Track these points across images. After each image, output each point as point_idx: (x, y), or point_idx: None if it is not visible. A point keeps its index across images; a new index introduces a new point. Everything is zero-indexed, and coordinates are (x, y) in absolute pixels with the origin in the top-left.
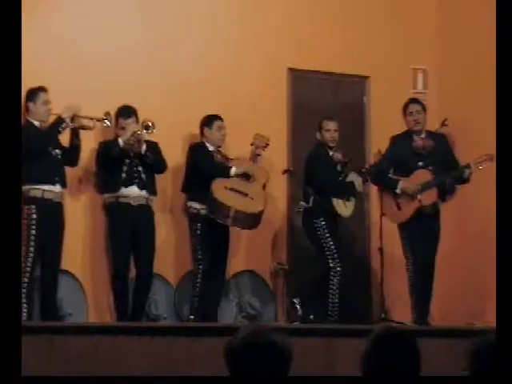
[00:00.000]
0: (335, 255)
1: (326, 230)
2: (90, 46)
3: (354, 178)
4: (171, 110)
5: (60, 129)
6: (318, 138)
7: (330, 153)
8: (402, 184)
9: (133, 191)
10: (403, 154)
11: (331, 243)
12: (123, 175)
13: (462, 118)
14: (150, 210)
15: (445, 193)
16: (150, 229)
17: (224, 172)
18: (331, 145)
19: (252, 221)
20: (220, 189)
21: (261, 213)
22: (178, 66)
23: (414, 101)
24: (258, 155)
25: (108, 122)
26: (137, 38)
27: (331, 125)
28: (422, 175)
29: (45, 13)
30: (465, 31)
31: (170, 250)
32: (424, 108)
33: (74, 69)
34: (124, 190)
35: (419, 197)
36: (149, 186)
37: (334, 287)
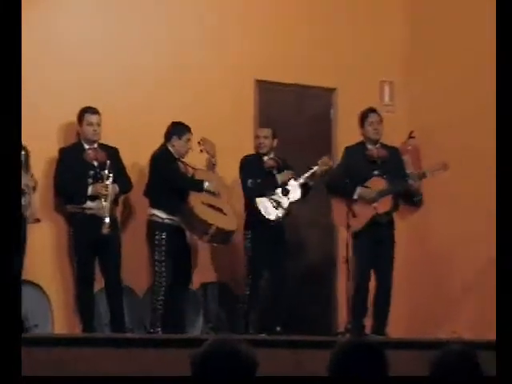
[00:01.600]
0: (253, 269)
1: (249, 242)
2: (61, 45)
3: (282, 177)
4: (136, 115)
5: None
6: (254, 145)
7: (265, 159)
8: (360, 190)
9: (98, 204)
10: (357, 162)
11: (253, 257)
12: (89, 190)
13: (428, 130)
14: (114, 219)
15: (397, 202)
16: (115, 238)
17: (198, 186)
18: (260, 151)
19: (227, 238)
20: (198, 204)
21: (235, 230)
22: (145, 74)
23: (373, 111)
24: (214, 164)
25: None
26: (105, 47)
27: (259, 132)
28: (378, 183)
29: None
30: (432, 43)
31: (135, 261)
32: (381, 119)
33: (45, 69)
34: (90, 204)
35: (375, 204)
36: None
37: (243, 303)
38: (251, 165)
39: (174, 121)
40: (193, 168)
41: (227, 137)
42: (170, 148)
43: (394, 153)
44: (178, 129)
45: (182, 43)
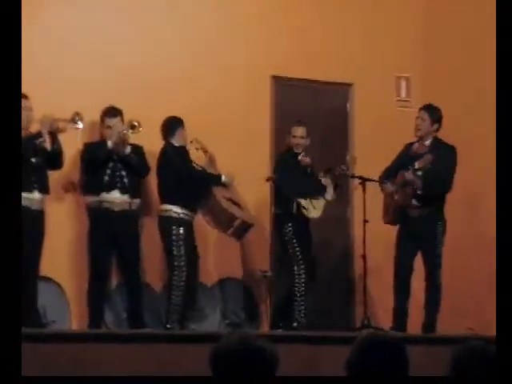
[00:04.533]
0: (300, 261)
1: (292, 235)
2: (67, 48)
3: (327, 182)
4: (151, 112)
5: (37, 142)
6: (286, 142)
7: (299, 157)
8: (384, 185)
9: (114, 196)
10: (403, 158)
11: (297, 249)
12: (106, 179)
13: (445, 125)
14: (133, 214)
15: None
16: (133, 234)
17: (216, 180)
18: (296, 151)
19: (246, 231)
20: (222, 198)
21: (254, 225)
22: (159, 73)
23: (424, 106)
24: (213, 161)
25: (80, 124)
26: (123, 55)
27: (295, 131)
28: (403, 176)
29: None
30: (448, 39)
31: (152, 257)
32: (434, 116)
33: (56, 70)
34: (106, 196)
35: (396, 196)
36: (131, 190)
37: (299, 294)
38: (287, 163)
39: (168, 116)
40: (199, 165)
41: (244, 133)
42: (175, 143)
43: (439, 149)
44: (176, 121)
45: (198, 40)
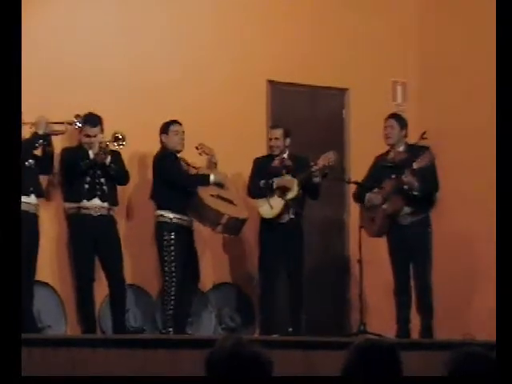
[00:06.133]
0: (259, 267)
1: (259, 239)
2: (56, 51)
3: (280, 180)
4: (147, 115)
5: (36, 145)
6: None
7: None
8: (367, 196)
9: (94, 203)
10: (379, 169)
11: (259, 254)
12: (85, 187)
13: (441, 130)
14: (112, 219)
15: (415, 202)
16: (113, 238)
17: (204, 180)
18: (272, 153)
19: (240, 227)
20: (208, 196)
21: (247, 219)
22: (156, 75)
23: (390, 115)
24: (215, 163)
25: (79, 124)
26: (122, 58)
27: (270, 133)
28: (389, 185)
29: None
30: (444, 44)
31: (148, 262)
32: (401, 123)
33: (40, 74)
34: (86, 203)
35: (384, 206)
36: (110, 198)
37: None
38: (260, 166)
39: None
40: (195, 167)
41: (240, 138)
42: (168, 148)
43: (415, 151)
44: (162, 127)
45: (195, 44)
